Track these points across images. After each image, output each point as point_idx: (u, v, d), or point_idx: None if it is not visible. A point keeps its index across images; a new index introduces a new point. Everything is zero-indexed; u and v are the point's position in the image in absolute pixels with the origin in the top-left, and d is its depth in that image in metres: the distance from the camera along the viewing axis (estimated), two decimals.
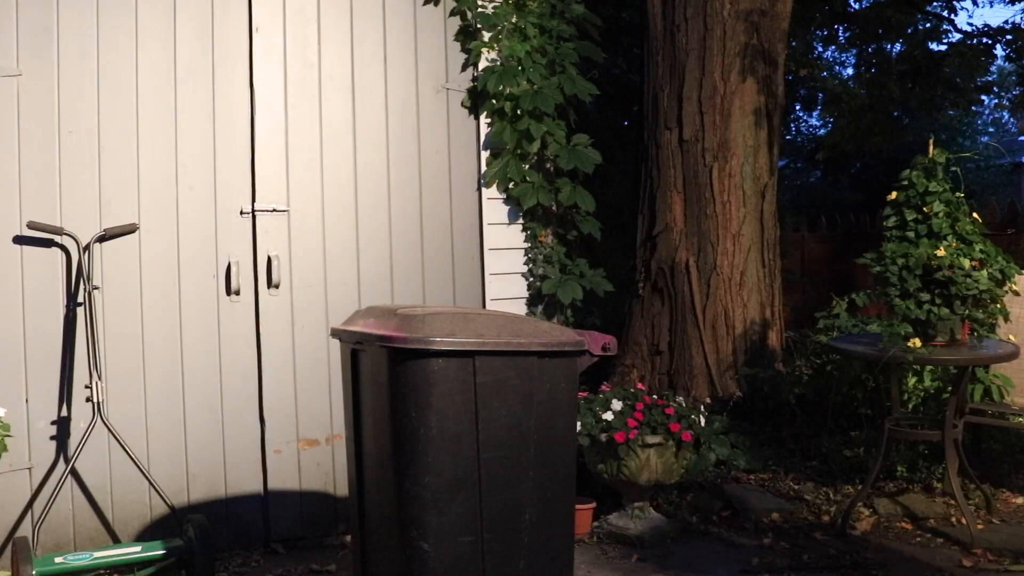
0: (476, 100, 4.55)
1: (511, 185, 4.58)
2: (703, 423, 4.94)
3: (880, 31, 11.19)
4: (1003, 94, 15.89)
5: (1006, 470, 4.80)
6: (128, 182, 3.85)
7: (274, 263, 4.06)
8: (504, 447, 2.78)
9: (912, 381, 4.95)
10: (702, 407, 5.08)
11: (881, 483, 4.59)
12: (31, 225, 3.63)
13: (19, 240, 3.68)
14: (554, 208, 4.75)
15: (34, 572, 3.20)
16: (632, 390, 4.37)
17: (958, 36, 11.21)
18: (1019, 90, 12.70)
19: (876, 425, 4.76)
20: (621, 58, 7.75)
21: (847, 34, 12.28)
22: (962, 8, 22.47)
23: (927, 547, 3.99)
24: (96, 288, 3.72)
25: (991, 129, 24.41)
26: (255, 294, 4.06)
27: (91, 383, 3.60)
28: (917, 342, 4.08)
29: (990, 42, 10.74)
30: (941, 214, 4.25)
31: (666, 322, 5.44)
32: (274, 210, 4.09)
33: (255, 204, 4.05)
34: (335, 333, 3.24)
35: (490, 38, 4.56)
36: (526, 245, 4.69)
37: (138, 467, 3.63)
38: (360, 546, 3.13)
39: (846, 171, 15.40)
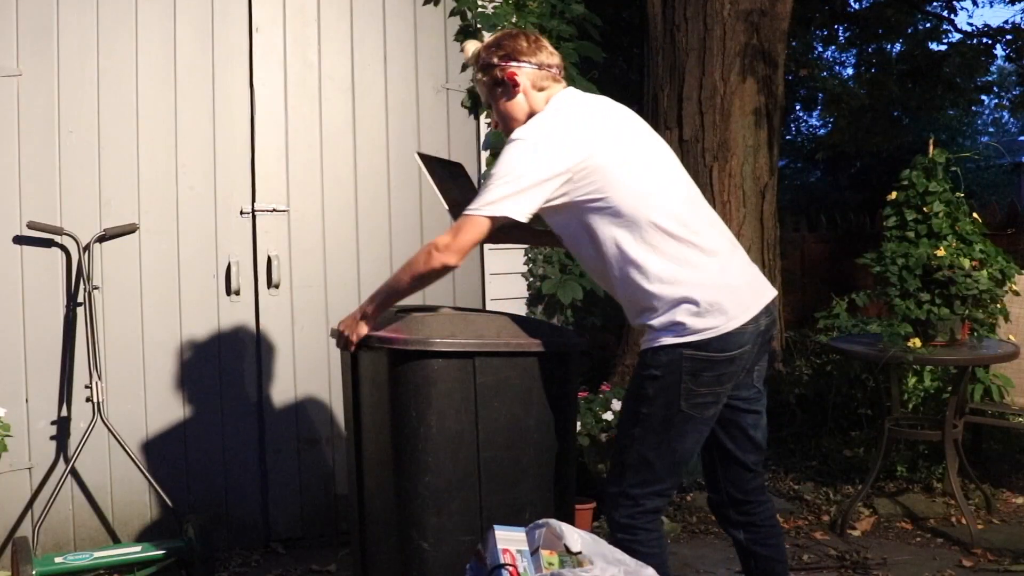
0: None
1: None
2: None
3: (880, 31, 11.20)
4: (1003, 94, 15.90)
5: (1006, 470, 4.81)
6: (128, 182, 3.85)
7: (274, 263, 4.06)
8: (504, 447, 2.78)
9: (912, 381, 4.95)
10: None
11: (881, 483, 4.59)
12: (31, 225, 3.63)
13: (19, 240, 3.68)
14: None
15: (34, 572, 3.20)
16: None
17: (958, 36, 11.21)
18: (1019, 90, 12.71)
19: (876, 425, 4.76)
20: (621, 58, 7.75)
21: (847, 34, 12.29)
22: (962, 8, 22.52)
23: (927, 547, 3.99)
24: (96, 288, 3.72)
25: (991, 129, 24.43)
26: (255, 294, 4.06)
27: (91, 383, 3.60)
28: (917, 342, 4.09)
29: (990, 42, 10.75)
30: (941, 214, 4.25)
31: None
32: (274, 210, 4.09)
33: (255, 204, 4.05)
34: (335, 334, 3.24)
35: None
36: (526, 245, 4.68)
37: (138, 467, 3.63)
38: (360, 546, 3.13)
39: (846, 171, 15.41)
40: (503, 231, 2.64)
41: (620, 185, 2.46)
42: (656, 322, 2.47)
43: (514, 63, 2.62)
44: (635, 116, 2.68)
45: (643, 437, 2.51)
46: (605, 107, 2.64)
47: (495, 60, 2.63)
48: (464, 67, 4.52)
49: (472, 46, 2.72)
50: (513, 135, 2.53)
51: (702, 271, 2.47)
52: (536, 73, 2.62)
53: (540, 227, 2.81)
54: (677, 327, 2.44)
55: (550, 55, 2.65)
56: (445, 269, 2.57)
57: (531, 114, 2.62)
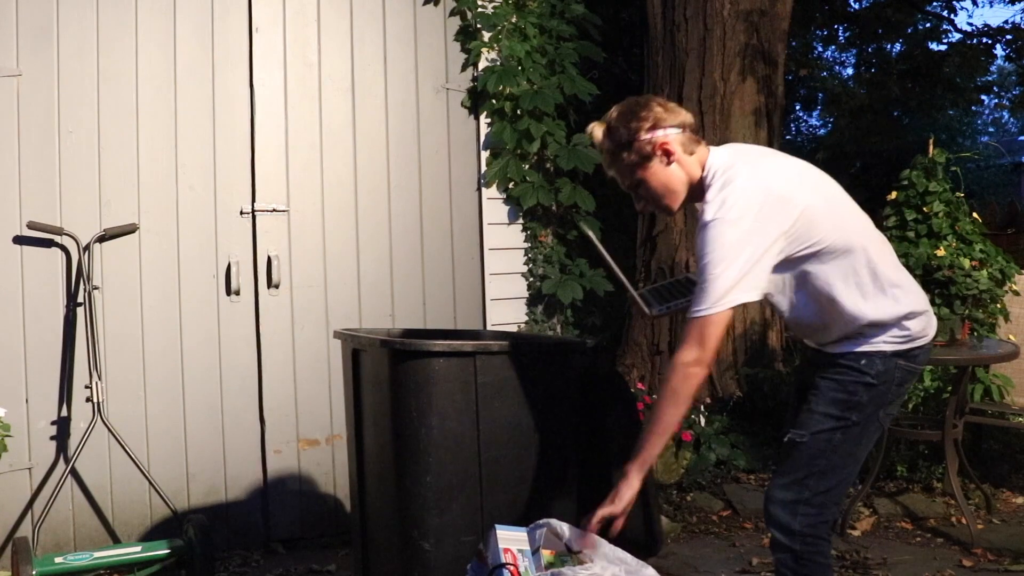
0: (476, 100, 4.55)
1: (511, 185, 4.58)
2: (703, 423, 4.95)
3: (880, 31, 11.20)
4: (1003, 94, 15.91)
5: (1006, 470, 4.80)
6: (128, 182, 3.85)
7: (274, 263, 4.06)
8: (505, 447, 2.78)
9: None
10: (702, 407, 5.08)
11: (881, 483, 4.59)
12: (31, 225, 3.63)
13: (19, 240, 3.68)
14: (554, 208, 4.75)
15: (34, 572, 3.19)
16: (632, 390, 4.36)
17: (958, 36, 11.22)
18: (1019, 90, 12.71)
19: None
20: (621, 58, 7.74)
21: (847, 34, 12.29)
22: (962, 8, 22.54)
23: (927, 547, 3.99)
24: (96, 288, 3.72)
25: (991, 129, 24.45)
26: (255, 294, 4.06)
27: (91, 383, 3.60)
28: None
29: (990, 42, 10.75)
30: (941, 214, 4.25)
31: (666, 322, 5.44)
32: (274, 210, 4.09)
33: (255, 204, 4.05)
34: (338, 334, 3.24)
35: (490, 38, 4.56)
36: (526, 245, 4.69)
37: (138, 467, 3.63)
38: (361, 546, 3.13)
39: (846, 171, 15.42)
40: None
41: (827, 223, 2.33)
42: (876, 330, 2.38)
43: (661, 131, 2.37)
44: (789, 156, 2.55)
45: (842, 444, 2.40)
46: (770, 154, 2.50)
47: (642, 134, 2.37)
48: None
49: (599, 129, 2.44)
50: (709, 216, 2.26)
51: (911, 286, 2.45)
52: (683, 136, 2.39)
53: None
54: (897, 333, 2.38)
55: (685, 113, 2.43)
56: (703, 379, 2.31)
57: (690, 183, 2.41)
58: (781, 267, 2.35)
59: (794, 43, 10.00)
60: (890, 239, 4.30)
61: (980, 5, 22.13)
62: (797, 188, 2.33)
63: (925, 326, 2.44)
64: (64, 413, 3.74)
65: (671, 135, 2.38)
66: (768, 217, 2.26)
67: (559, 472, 2.89)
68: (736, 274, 2.22)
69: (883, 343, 2.38)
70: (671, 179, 2.41)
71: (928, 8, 11.19)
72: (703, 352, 2.24)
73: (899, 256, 4.17)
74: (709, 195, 2.32)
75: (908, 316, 2.39)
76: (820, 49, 14.53)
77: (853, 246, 2.36)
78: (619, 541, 3.19)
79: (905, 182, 4.34)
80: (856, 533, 4.15)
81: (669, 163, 2.39)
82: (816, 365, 2.50)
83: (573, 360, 2.93)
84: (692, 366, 2.25)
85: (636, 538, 3.12)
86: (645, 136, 2.37)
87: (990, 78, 13.78)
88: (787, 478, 2.44)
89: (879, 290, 2.38)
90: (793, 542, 2.40)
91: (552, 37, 4.71)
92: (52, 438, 3.72)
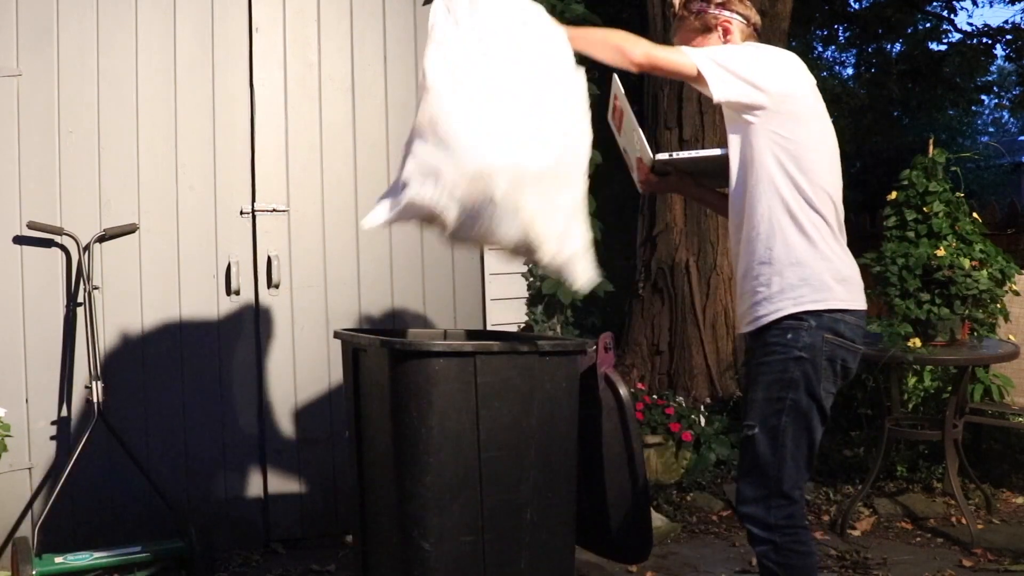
0: None
1: None
2: (703, 423, 4.95)
3: (880, 31, 11.22)
4: (1003, 94, 15.92)
5: (1006, 470, 4.81)
6: (128, 182, 3.85)
7: (274, 263, 4.06)
8: (505, 447, 2.78)
9: (912, 381, 4.96)
10: (702, 407, 5.09)
11: (881, 483, 4.59)
12: (31, 225, 3.63)
13: (19, 240, 3.68)
14: None
15: (34, 572, 3.20)
16: (632, 390, 4.36)
17: (958, 36, 11.23)
18: (1019, 90, 12.72)
19: (876, 425, 4.76)
20: None
21: (847, 34, 12.31)
22: (962, 8, 22.50)
23: (927, 547, 3.99)
24: (96, 288, 3.72)
25: (991, 129, 24.45)
26: (255, 294, 4.06)
27: (91, 383, 3.60)
28: (917, 342, 4.09)
29: (990, 42, 10.77)
30: (941, 214, 4.25)
31: (666, 322, 5.45)
32: (274, 210, 4.09)
33: (255, 204, 4.05)
34: (338, 335, 3.25)
35: None
36: None
37: (138, 467, 3.63)
38: (361, 546, 3.13)
39: (846, 171, 15.39)
40: (695, 175, 2.68)
41: (809, 140, 2.46)
42: (795, 281, 2.41)
43: (727, 12, 2.61)
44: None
45: (790, 427, 2.44)
46: (804, 67, 2.58)
47: (711, 8, 2.61)
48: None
49: None
50: (726, 45, 2.53)
51: (842, 249, 2.50)
52: (746, 29, 2.62)
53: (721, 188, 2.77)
54: (819, 292, 2.41)
55: (755, 13, 2.65)
56: (623, 55, 2.55)
57: None
58: (754, 143, 2.45)
59: (794, 43, 10.00)
60: (890, 239, 4.32)
61: (980, 5, 22.10)
62: (801, 84, 2.48)
63: (850, 293, 2.46)
64: (64, 413, 3.74)
65: (734, 20, 2.60)
66: (766, 70, 2.43)
67: (559, 472, 2.89)
68: (721, 65, 2.40)
69: (791, 302, 2.40)
70: None
71: (928, 8, 11.20)
72: (654, 48, 2.44)
73: (899, 256, 4.21)
74: None
75: (831, 269, 2.43)
76: (820, 49, 14.53)
77: (812, 178, 2.46)
78: (608, 543, 3.19)
79: (905, 182, 4.34)
80: (856, 533, 4.15)
81: (724, 42, 2.60)
82: (753, 355, 2.53)
83: (573, 360, 2.93)
84: (636, 43, 2.46)
85: (626, 541, 3.12)
86: (714, 10, 2.60)
87: (990, 78, 13.81)
88: (751, 476, 2.48)
89: (809, 215, 2.45)
90: (772, 535, 2.43)
91: None
92: (52, 438, 3.72)
